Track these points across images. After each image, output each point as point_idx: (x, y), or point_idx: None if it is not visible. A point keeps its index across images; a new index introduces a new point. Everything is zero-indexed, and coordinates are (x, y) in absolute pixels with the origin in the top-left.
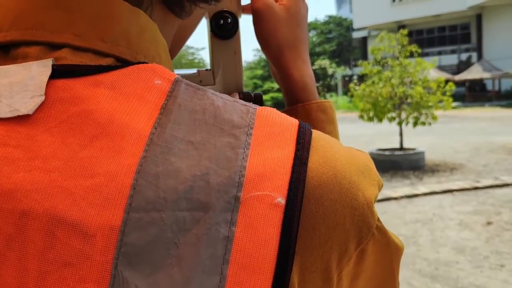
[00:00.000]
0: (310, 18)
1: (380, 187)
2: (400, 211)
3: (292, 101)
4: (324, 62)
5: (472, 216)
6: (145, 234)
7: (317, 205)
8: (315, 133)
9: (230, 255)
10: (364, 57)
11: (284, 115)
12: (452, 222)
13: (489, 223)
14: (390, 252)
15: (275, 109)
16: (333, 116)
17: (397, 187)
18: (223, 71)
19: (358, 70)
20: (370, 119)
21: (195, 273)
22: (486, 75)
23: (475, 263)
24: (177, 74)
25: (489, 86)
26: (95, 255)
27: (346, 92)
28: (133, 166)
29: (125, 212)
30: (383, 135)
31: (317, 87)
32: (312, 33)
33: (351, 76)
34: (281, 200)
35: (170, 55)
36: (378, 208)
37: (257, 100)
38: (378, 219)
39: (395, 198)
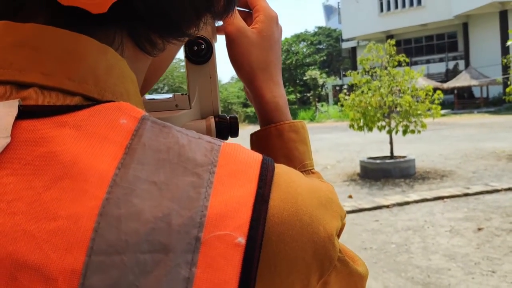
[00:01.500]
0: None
1: (342, 218)
2: (391, 219)
3: (265, 122)
4: (314, 73)
5: (463, 222)
6: (106, 277)
7: (278, 242)
8: (278, 169)
9: None
10: (354, 67)
11: (248, 150)
12: (443, 229)
13: (479, 229)
14: (354, 280)
15: (239, 144)
16: (305, 136)
17: (389, 195)
18: (199, 95)
19: (348, 80)
20: (360, 128)
21: None
22: (474, 82)
23: (466, 269)
24: (153, 99)
25: (477, 93)
26: None
27: (337, 101)
28: (96, 208)
29: (87, 255)
30: (374, 143)
31: (308, 97)
32: (302, 44)
33: (341, 86)
34: (241, 240)
35: (144, 89)
36: (370, 216)
37: (232, 123)
38: (340, 251)
39: (387, 206)
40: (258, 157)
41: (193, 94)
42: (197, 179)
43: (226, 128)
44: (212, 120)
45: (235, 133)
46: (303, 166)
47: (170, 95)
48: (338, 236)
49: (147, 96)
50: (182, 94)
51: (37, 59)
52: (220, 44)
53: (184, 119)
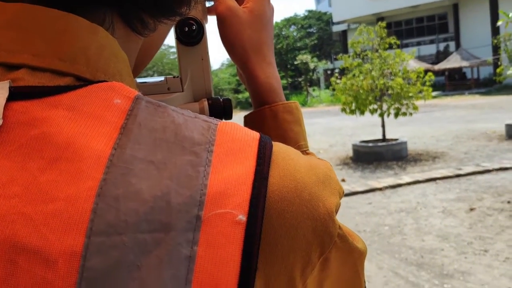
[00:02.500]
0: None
1: (341, 195)
2: (384, 201)
3: (259, 103)
4: (305, 57)
5: (455, 203)
6: (107, 258)
7: (279, 219)
8: (276, 146)
9: (192, 275)
10: (345, 50)
11: (246, 129)
12: (436, 210)
13: (472, 209)
14: (353, 257)
15: (236, 123)
16: (299, 117)
17: (381, 178)
18: (191, 77)
19: (339, 64)
20: (352, 111)
21: None
22: (464, 63)
23: (459, 249)
24: (145, 82)
25: (468, 75)
26: (57, 281)
27: (328, 86)
28: (93, 189)
29: (86, 236)
30: (366, 127)
31: (300, 82)
32: (293, 28)
33: (333, 70)
34: (242, 217)
35: (136, 70)
36: (363, 199)
37: (226, 105)
38: (340, 227)
39: (380, 189)
40: (255, 135)
41: (185, 77)
42: (195, 158)
43: (220, 110)
44: (205, 103)
45: (229, 116)
46: (298, 147)
47: (161, 78)
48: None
49: (139, 80)
50: (174, 77)
51: (26, 39)
52: (211, 29)
53: (177, 102)
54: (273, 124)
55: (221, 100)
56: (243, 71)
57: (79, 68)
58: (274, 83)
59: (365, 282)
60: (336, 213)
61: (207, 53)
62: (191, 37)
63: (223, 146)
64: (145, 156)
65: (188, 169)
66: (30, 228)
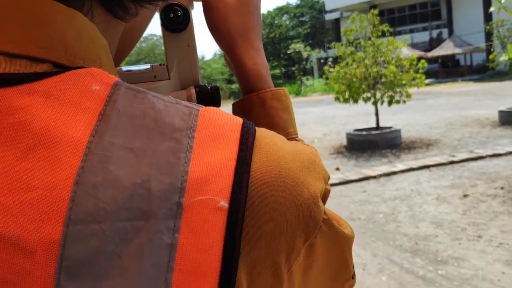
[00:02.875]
0: (282, 2)
1: (326, 180)
2: (379, 189)
3: (247, 90)
4: (298, 46)
5: (449, 190)
6: (86, 247)
7: (262, 205)
8: (259, 132)
9: (174, 262)
10: (338, 38)
11: (228, 114)
12: (430, 197)
13: (465, 196)
14: (340, 242)
15: (219, 108)
16: (288, 104)
17: (376, 166)
18: (178, 65)
19: (333, 52)
20: (346, 100)
21: (139, 282)
22: (457, 50)
23: (453, 235)
24: (131, 70)
25: (462, 61)
26: (36, 271)
27: (321, 74)
28: (71, 177)
29: (65, 225)
30: (360, 115)
31: (293, 71)
32: (285, 17)
33: (326, 59)
34: (224, 204)
35: (119, 57)
36: (358, 187)
37: (214, 92)
38: (325, 212)
39: (374, 177)
40: (238, 120)
41: (171, 64)
42: (176, 144)
43: (208, 98)
44: (192, 90)
45: (217, 103)
46: (287, 134)
47: (147, 66)
48: (324, 202)
49: (124, 68)
50: (160, 65)
51: (2, 26)
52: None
53: (164, 90)
54: (261, 112)
55: (208, 87)
56: (230, 58)
57: (57, 54)
58: (262, 69)
59: (353, 267)
60: (325, 199)
61: (194, 39)
62: (177, 23)
63: (204, 132)
64: (124, 143)
65: (169, 155)
66: (7, 218)
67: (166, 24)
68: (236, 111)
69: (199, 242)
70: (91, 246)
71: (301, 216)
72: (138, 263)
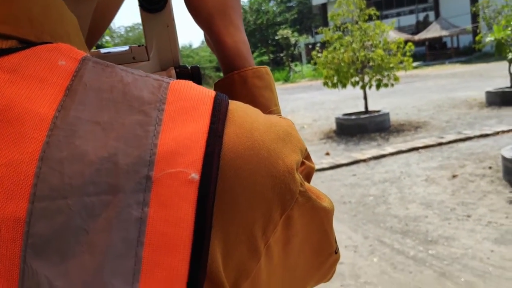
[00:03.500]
0: None
1: (303, 152)
2: (369, 172)
3: (228, 69)
4: (286, 32)
5: (438, 171)
6: (52, 223)
7: (235, 177)
8: (233, 104)
9: (144, 236)
10: (325, 23)
11: (200, 87)
12: (419, 178)
13: (454, 176)
14: (319, 215)
15: (191, 82)
16: (270, 82)
17: (365, 149)
18: (157, 45)
19: (320, 37)
20: (334, 85)
21: (108, 258)
22: (444, 33)
23: (442, 216)
24: (109, 52)
25: (448, 44)
26: (1, 249)
27: (310, 60)
28: (36, 153)
29: (30, 202)
30: (348, 100)
31: (282, 57)
32: (272, 3)
33: (314, 44)
34: (195, 176)
35: (93, 37)
36: (348, 171)
37: (194, 73)
38: (301, 184)
39: (364, 160)
40: (210, 93)
41: (150, 45)
42: (145, 117)
43: (188, 78)
44: (173, 71)
45: (198, 84)
46: (270, 112)
47: (126, 47)
48: (308, 180)
49: (103, 50)
50: (139, 46)
51: None
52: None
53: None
54: (243, 90)
55: (189, 68)
56: (210, 37)
57: (23, 30)
58: (242, 47)
59: (336, 241)
60: (309, 176)
61: (173, 19)
62: (154, 3)
63: (174, 105)
64: (91, 117)
65: (137, 128)
66: None
67: (143, 4)
68: (217, 90)
69: (170, 216)
70: (57, 222)
71: (277, 188)
72: (106, 238)
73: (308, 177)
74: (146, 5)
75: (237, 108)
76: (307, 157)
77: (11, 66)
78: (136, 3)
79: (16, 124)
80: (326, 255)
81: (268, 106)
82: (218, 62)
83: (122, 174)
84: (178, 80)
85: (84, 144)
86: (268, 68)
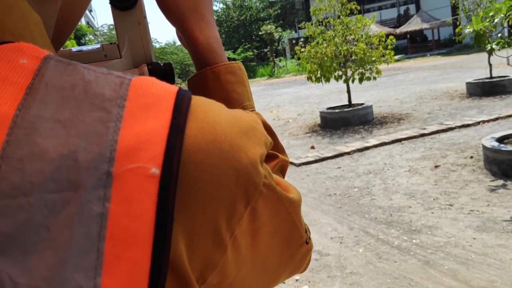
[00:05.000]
0: None
1: (268, 146)
2: (353, 165)
3: (201, 65)
4: (269, 27)
5: (420, 162)
6: (13, 221)
7: (197, 171)
8: (195, 100)
9: (105, 231)
10: (308, 18)
11: (163, 84)
12: (402, 169)
13: (436, 167)
14: (284, 206)
15: (154, 78)
16: (242, 77)
17: (349, 142)
18: (129, 43)
19: (304, 32)
20: (318, 79)
21: (70, 253)
22: (425, 25)
23: (426, 205)
24: (81, 50)
25: (429, 36)
26: None
27: (294, 55)
28: None
29: None
30: (332, 94)
31: (266, 53)
32: None
33: (298, 39)
34: (156, 171)
35: (60, 37)
36: (333, 164)
37: (167, 70)
38: (266, 176)
39: (348, 153)
40: (173, 89)
41: (122, 43)
42: (105, 114)
43: (161, 75)
44: (145, 68)
45: (171, 80)
46: (243, 107)
47: (98, 45)
48: (283, 173)
49: (74, 48)
50: (111, 43)
51: None
52: None
53: (115, 69)
54: (215, 86)
55: (161, 64)
56: (182, 33)
57: None
58: (214, 43)
59: (307, 232)
60: (284, 170)
61: (144, 17)
62: (125, 1)
63: (135, 101)
64: (51, 115)
65: (98, 125)
66: None
67: (114, 2)
68: (191, 86)
69: (131, 210)
70: (18, 220)
71: (240, 180)
72: (68, 234)
73: (283, 169)
74: (116, 3)
75: (200, 103)
76: (281, 150)
77: None
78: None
79: None
80: (296, 246)
81: (241, 101)
82: (192, 58)
83: (83, 170)
84: (141, 77)
85: (45, 142)
86: (240, 64)
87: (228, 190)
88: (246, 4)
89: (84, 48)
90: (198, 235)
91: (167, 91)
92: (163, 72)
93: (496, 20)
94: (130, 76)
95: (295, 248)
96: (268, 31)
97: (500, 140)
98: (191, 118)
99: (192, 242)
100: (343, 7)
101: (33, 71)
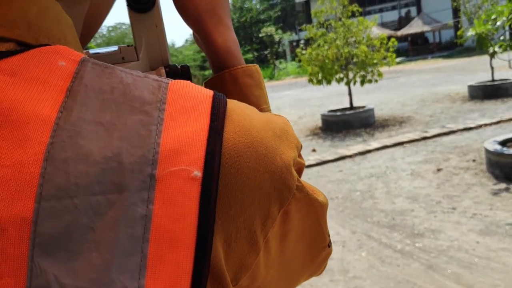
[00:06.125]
0: None
1: (298, 149)
2: (355, 168)
3: (218, 68)
4: (270, 29)
5: (422, 165)
6: (59, 222)
7: (236, 174)
8: (230, 103)
9: (149, 233)
10: (309, 20)
11: (198, 87)
12: (405, 173)
13: (439, 170)
14: (314, 209)
15: (189, 81)
16: (260, 80)
17: (351, 145)
18: (146, 46)
19: (304, 34)
20: (319, 82)
21: (115, 255)
22: (426, 28)
23: (428, 209)
24: (98, 52)
25: (431, 39)
26: (9, 248)
27: (294, 57)
28: (41, 154)
29: (36, 202)
30: (333, 96)
31: (266, 55)
32: (255, 1)
33: (298, 41)
34: (198, 173)
35: (85, 38)
36: (334, 167)
37: (184, 72)
38: (298, 180)
39: (349, 156)
40: (209, 92)
41: (139, 45)
42: (146, 117)
43: (178, 77)
44: (162, 71)
45: None
46: (261, 110)
47: (115, 48)
48: (299, 176)
49: (92, 51)
50: (128, 46)
51: None
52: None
53: None
54: (233, 89)
55: (179, 67)
56: (199, 36)
57: (20, 33)
58: (232, 46)
59: (329, 235)
60: (300, 172)
61: (161, 19)
62: (143, 3)
63: (175, 104)
64: (93, 118)
65: (139, 128)
66: None
67: (132, 4)
68: (208, 89)
69: (174, 212)
70: (64, 221)
71: (275, 183)
72: (113, 236)
73: (299, 173)
74: (134, 5)
75: (235, 107)
76: (298, 154)
77: (11, 68)
78: (118, 3)
79: (19, 126)
80: (320, 249)
81: (258, 104)
82: (208, 61)
83: (127, 173)
84: (177, 80)
85: (88, 144)
86: (257, 67)
87: (264, 193)
88: (246, 6)
89: (101, 50)
90: (235, 237)
91: (204, 94)
92: (181, 74)
93: (498, 23)
94: (167, 79)
95: (318, 251)
96: (268, 33)
97: (503, 143)
98: (228, 121)
99: (229, 244)
100: (344, 9)
101: (71, 74)
